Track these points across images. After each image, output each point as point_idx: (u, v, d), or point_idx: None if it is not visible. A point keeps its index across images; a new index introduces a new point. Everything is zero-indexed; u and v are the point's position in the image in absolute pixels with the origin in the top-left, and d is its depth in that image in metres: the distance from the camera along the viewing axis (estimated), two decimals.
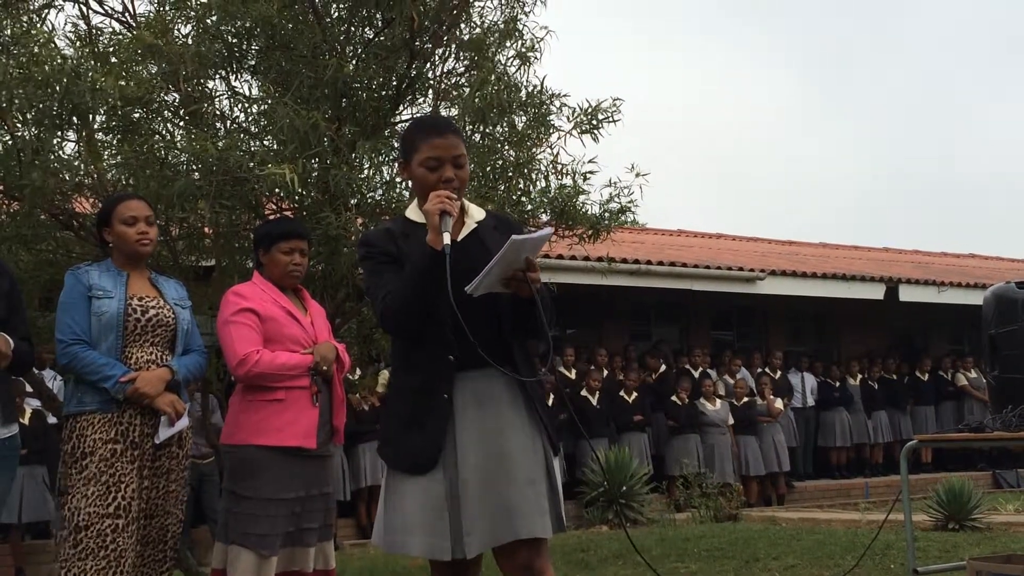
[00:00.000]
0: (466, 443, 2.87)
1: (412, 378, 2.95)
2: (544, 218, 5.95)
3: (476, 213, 3.08)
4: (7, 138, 5.46)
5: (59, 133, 5.43)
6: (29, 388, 7.46)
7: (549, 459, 2.96)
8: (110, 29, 5.95)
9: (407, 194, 5.95)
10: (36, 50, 5.14)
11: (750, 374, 13.54)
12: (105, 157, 5.75)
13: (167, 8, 5.77)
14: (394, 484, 2.93)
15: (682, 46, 57.45)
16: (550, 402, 9.54)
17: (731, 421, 12.49)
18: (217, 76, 5.82)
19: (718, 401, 12.52)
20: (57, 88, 4.98)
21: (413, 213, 3.03)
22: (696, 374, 12.86)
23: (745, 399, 12.83)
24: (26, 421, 8.32)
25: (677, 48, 56.82)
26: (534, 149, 5.97)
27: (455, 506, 2.84)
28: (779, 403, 13.06)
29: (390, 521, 2.92)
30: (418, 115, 6.20)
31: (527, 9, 6.03)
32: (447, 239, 2.76)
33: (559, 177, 5.95)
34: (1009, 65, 57.95)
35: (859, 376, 14.45)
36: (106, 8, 6.06)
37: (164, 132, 5.76)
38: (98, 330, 3.79)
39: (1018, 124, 55.67)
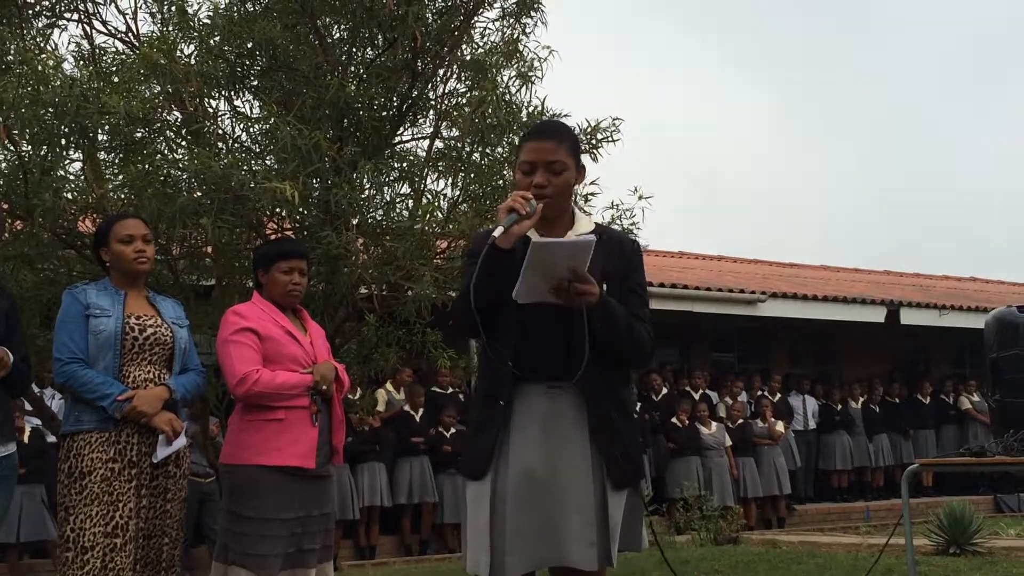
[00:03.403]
0: (519, 458, 2.79)
1: (481, 384, 2.96)
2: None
3: (583, 226, 2.98)
4: (12, 157, 5.47)
5: (65, 153, 5.44)
6: (28, 407, 7.44)
7: (606, 492, 2.82)
8: (113, 49, 5.99)
9: (407, 214, 5.95)
10: (41, 69, 5.15)
11: (751, 396, 13.52)
12: (108, 177, 5.76)
13: (171, 28, 5.80)
14: (465, 494, 2.89)
15: (676, 57, 57.64)
16: None
17: (728, 443, 12.46)
18: (220, 96, 5.84)
19: (713, 424, 12.49)
20: (65, 108, 4.99)
21: None
22: (696, 396, 12.84)
23: (740, 421, 12.80)
24: (25, 440, 8.31)
25: (670, 59, 56.97)
26: None
27: (497, 521, 2.77)
28: (780, 426, 13.03)
29: (464, 535, 2.90)
30: (419, 135, 6.22)
31: (528, 30, 6.06)
32: (497, 232, 2.72)
33: None
34: (1012, 67, 57.85)
35: (860, 399, 14.43)
36: (109, 28, 6.10)
37: (166, 151, 5.77)
38: (96, 349, 3.78)
39: (1020, 139, 55.57)
